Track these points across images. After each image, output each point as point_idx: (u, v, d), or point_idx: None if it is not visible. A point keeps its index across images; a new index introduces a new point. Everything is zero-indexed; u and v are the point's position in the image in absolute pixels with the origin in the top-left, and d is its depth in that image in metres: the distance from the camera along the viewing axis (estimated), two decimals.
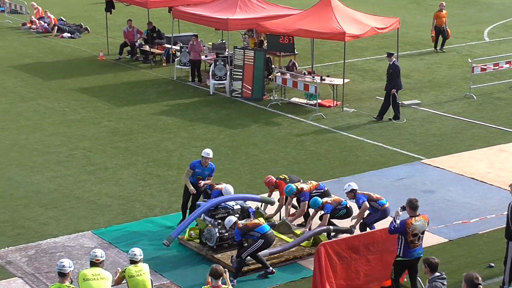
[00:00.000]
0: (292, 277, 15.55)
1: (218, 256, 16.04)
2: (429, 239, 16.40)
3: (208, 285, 12.26)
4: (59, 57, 33.31)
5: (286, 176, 17.91)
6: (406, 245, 13.90)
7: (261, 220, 15.71)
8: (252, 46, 29.68)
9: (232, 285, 13.24)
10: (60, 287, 12.02)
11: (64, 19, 38.68)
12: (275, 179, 17.70)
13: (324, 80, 26.94)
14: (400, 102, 25.30)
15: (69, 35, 36.79)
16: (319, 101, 26.25)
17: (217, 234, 16.23)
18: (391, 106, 25.02)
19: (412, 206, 13.93)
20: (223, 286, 12.34)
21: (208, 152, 17.33)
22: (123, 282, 13.00)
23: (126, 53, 33.11)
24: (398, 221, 13.89)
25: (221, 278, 12.36)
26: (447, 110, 26.28)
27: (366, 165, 21.54)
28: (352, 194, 16.45)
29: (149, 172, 20.95)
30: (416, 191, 19.17)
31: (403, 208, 14.06)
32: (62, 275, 12.15)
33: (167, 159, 21.98)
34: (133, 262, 13.01)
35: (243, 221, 15.47)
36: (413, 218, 13.86)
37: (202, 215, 16.43)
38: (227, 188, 16.84)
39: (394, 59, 25.33)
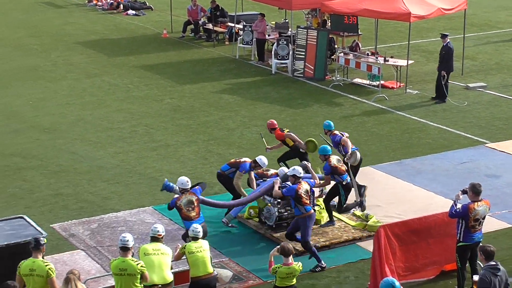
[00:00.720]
0: (351, 258, 15.52)
1: (277, 235, 16.07)
2: (492, 224, 16.21)
3: (279, 264, 12.41)
4: (123, 34, 33.61)
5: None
6: (467, 229, 13.68)
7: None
8: (315, 25, 29.52)
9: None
10: (124, 261, 12.16)
11: None
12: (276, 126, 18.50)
13: (388, 61, 26.68)
14: (446, 83, 24.87)
15: (133, 12, 37.06)
16: (382, 82, 26.07)
17: (276, 213, 16.25)
18: (438, 86, 24.85)
19: (475, 191, 13.67)
20: (294, 263, 12.45)
21: (264, 162, 16.90)
22: (182, 258, 13.12)
23: (189, 31, 33.24)
24: (459, 205, 13.71)
25: (291, 255, 12.48)
26: None
27: (428, 147, 21.33)
28: (293, 179, 15.39)
29: (209, 150, 21.06)
30: (479, 175, 18.86)
31: (464, 192, 13.86)
32: (125, 249, 12.28)
33: (228, 138, 22.04)
34: (194, 238, 13.12)
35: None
36: (476, 203, 13.60)
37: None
38: (282, 169, 16.90)
39: (448, 40, 25.12)
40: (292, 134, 18.39)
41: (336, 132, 17.94)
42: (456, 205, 13.70)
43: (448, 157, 20.61)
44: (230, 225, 16.60)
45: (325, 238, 16.10)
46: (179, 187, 15.06)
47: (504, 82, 27.12)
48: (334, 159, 16.42)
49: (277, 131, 18.44)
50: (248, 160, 16.94)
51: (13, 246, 13.52)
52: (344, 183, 16.48)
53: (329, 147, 16.88)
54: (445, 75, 24.66)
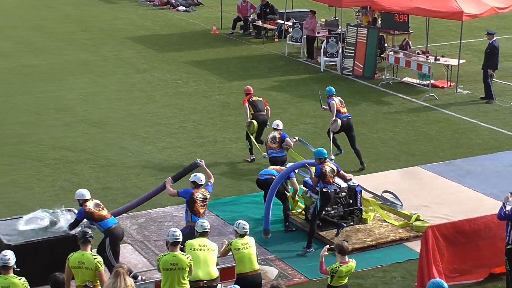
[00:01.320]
0: (398, 258, 15.43)
1: (323, 233, 16.06)
2: None
3: (337, 263, 12.41)
4: (173, 30, 33.78)
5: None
6: None
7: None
8: (365, 24, 29.40)
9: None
10: (175, 256, 12.20)
11: None
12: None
13: (439, 60, 26.50)
14: (491, 82, 24.69)
15: (184, 8, 37.24)
16: (432, 81, 25.86)
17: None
18: (485, 86, 24.70)
19: None
20: (351, 260, 12.49)
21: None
22: (228, 254, 13.16)
23: (239, 27, 33.33)
24: (508, 207, 13.56)
25: (347, 254, 12.48)
26: None
27: (478, 148, 21.11)
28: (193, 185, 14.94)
29: (257, 147, 21.09)
30: None
31: None
32: (175, 244, 12.30)
33: None
34: (241, 235, 13.12)
35: None
36: None
37: (309, 192, 16.44)
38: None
39: (494, 39, 24.91)
40: (246, 107, 19.97)
41: (334, 97, 19.46)
42: (505, 207, 13.52)
43: (499, 158, 20.35)
44: (269, 236, 16.28)
45: (371, 238, 16.01)
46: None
47: None
48: (328, 167, 16.10)
49: (245, 99, 20.27)
50: (276, 168, 16.95)
51: (63, 238, 13.81)
52: (324, 190, 16.00)
53: (325, 151, 16.38)
54: (492, 73, 24.46)
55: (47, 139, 21.37)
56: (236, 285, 11.69)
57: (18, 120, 22.80)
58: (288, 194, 16.67)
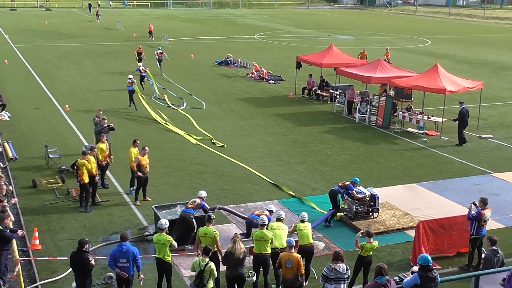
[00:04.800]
0: (400, 240, 15.30)
1: (354, 222, 16.01)
2: (493, 225, 15.71)
3: (365, 242, 12.40)
4: (266, 94, 34.03)
5: None
6: (478, 227, 13.41)
7: None
8: (381, 93, 29.21)
9: None
10: (262, 232, 12.37)
11: (271, 72, 39.38)
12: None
13: (430, 118, 26.08)
14: (462, 134, 24.36)
15: (273, 81, 37.49)
16: (425, 131, 25.49)
17: (354, 209, 16.17)
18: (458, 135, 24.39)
19: (485, 202, 13.48)
20: (374, 241, 12.41)
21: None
22: (294, 232, 13.20)
23: (306, 94, 33.41)
24: (473, 212, 13.38)
25: (372, 236, 12.39)
26: None
27: (453, 174, 20.69)
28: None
29: (315, 167, 21.09)
30: (486, 193, 18.16)
31: (474, 204, 13.59)
32: (263, 225, 12.50)
33: (326, 160, 22.00)
34: (302, 221, 13.16)
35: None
36: (485, 210, 13.34)
37: (345, 196, 16.37)
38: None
39: (463, 106, 24.67)
40: None
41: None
42: (471, 212, 13.40)
43: (466, 181, 19.97)
44: (327, 224, 16.07)
45: (384, 226, 15.88)
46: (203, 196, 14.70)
47: (506, 135, 25.97)
48: (358, 190, 16.24)
49: None
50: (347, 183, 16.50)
51: (199, 218, 14.21)
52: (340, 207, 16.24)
53: (358, 179, 16.58)
54: (463, 133, 24.30)
55: (188, 158, 21.77)
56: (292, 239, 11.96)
57: (171, 146, 23.28)
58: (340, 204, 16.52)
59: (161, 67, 38.84)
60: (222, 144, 23.29)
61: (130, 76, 29.87)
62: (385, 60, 39.15)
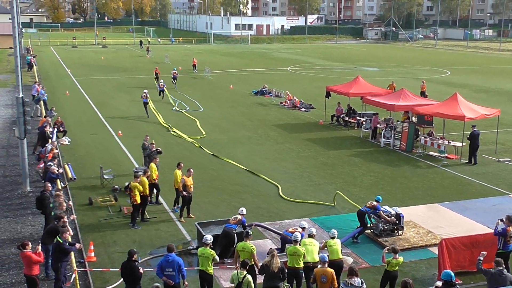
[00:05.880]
0: (424, 256, 14.97)
1: (380, 239, 15.72)
2: None
3: (391, 258, 12.15)
4: (298, 121, 33.99)
5: None
6: (505, 242, 13.10)
7: None
8: (403, 119, 28.88)
9: None
10: (295, 248, 12.26)
11: (302, 101, 39.34)
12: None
13: (450, 142, 25.63)
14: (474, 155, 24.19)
15: (304, 109, 37.45)
16: (446, 155, 25.04)
17: (381, 227, 15.89)
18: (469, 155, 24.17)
19: (511, 220, 13.24)
20: (400, 257, 12.22)
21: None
22: (325, 248, 13.02)
23: (334, 120, 33.25)
24: (499, 228, 13.14)
25: (398, 252, 12.18)
26: None
27: (473, 194, 20.19)
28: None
29: (342, 188, 20.84)
30: (504, 213, 17.42)
31: (502, 220, 13.28)
32: (296, 241, 12.39)
33: (353, 181, 21.76)
34: (332, 238, 13.00)
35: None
36: (511, 227, 13.07)
37: (372, 214, 16.11)
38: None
39: (474, 129, 24.49)
40: None
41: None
42: (497, 228, 13.21)
43: (485, 201, 19.45)
44: (355, 240, 15.82)
45: (408, 243, 15.55)
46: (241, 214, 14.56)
47: None
48: (384, 209, 15.98)
49: None
50: (375, 203, 16.18)
51: (238, 233, 14.15)
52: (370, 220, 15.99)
53: (380, 197, 16.34)
54: (475, 154, 24.17)
55: (227, 179, 21.80)
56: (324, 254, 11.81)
57: (212, 168, 23.38)
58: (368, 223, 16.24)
59: (176, 83, 45.45)
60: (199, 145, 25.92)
61: (145, 90, 35.11)
62: (421, 92, 39.02)
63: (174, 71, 47.14)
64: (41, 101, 34.61)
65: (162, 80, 42.51)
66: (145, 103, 34.11)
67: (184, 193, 17.32)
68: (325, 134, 30.35)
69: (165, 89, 40.63)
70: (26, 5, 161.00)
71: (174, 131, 29.31)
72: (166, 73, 51.34)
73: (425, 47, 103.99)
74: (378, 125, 29.26)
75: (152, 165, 18.47)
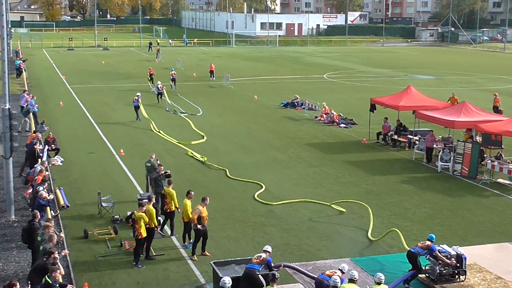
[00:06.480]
0: None
1: (437, 286, 15.36)
2: None
3: None
4: (336, 139, 33.87)
5: None
6: None
7: None
8: (465, 139, 28.45)
9: None
10: None
11: (341, 115, 39.24)
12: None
13: None
14: None
15: (344, 125, 37.33)
16: None
17: (438, 271, 15.56)
18: None
19: None
20: None
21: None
22: None
23: (381, 139, 33.01)
24: None
25: None
26: None
27: None
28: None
29: (391, 221, 20.60)
30: None
31: None
32: (334, 287, 12.27)
33: (404, 214, 21.49)
34: (378, 283, 12.81)
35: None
36: None
37: (428, 256, 15.82)
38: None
39: None
40: None
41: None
42: None
43: None
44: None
45: None
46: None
47: None
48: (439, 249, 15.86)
49: None
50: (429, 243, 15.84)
51: (263, 275, 14.09)
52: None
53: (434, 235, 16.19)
54: None
55: (250, 209, 21.76)
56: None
57: (232, 195, 23.35)
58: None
59: (175, 85, 49.95)
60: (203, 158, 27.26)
61: (138, 93, 38.31)
62: (494, 107, 38.45)
63: (173, 72, 51.00)
64: (31, 114, 35.23)
65: (159, 82, 45.37)
66: (136, 107, 37.42)
67: (199, 226, 17.28)
68: (369, 155, 30.11)
69: (164, 91, 43.83)
70: (17, 1, 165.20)
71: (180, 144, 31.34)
72: (180, 79, 51.85)
73: (492, 51, 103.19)
74: (434, 146, 28.93)
75: (169, 190, 18.57)
